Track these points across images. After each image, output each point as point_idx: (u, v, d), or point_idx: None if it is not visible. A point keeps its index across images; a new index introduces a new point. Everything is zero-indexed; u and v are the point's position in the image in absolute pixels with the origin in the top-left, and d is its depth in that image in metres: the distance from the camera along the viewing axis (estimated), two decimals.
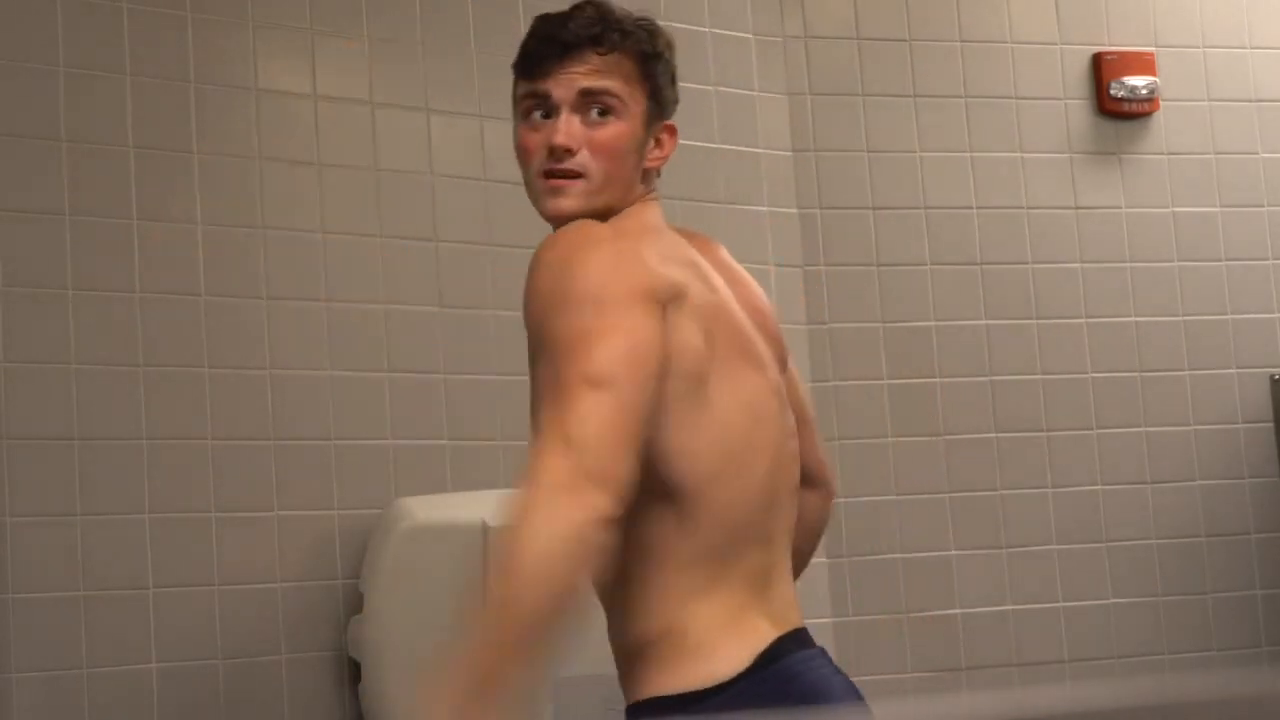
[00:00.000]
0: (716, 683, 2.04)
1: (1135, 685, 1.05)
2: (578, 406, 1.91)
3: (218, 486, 3.10)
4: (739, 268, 2.29)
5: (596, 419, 1.91)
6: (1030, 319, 3.93)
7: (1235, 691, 1.06)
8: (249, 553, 3.12)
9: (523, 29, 2.24)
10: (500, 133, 3.47)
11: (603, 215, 2.15)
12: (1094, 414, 3.95)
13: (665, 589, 2.09)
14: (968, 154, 3.96)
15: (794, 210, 3.78)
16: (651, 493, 2.05)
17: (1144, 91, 4.05)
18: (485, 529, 3.06)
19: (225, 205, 3.18)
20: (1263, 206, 4.12)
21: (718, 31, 3.64)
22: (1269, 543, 4.01)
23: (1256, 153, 4.14)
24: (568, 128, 2.14)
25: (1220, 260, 4.08)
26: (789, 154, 3.80)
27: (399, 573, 3.09)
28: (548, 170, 2.16)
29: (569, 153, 2.14)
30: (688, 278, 2.10)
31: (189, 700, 3.03)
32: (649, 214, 2.20)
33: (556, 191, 2.15)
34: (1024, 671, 3.80)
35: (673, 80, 2.24)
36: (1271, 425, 4.01)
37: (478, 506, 3.12)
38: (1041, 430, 3.91)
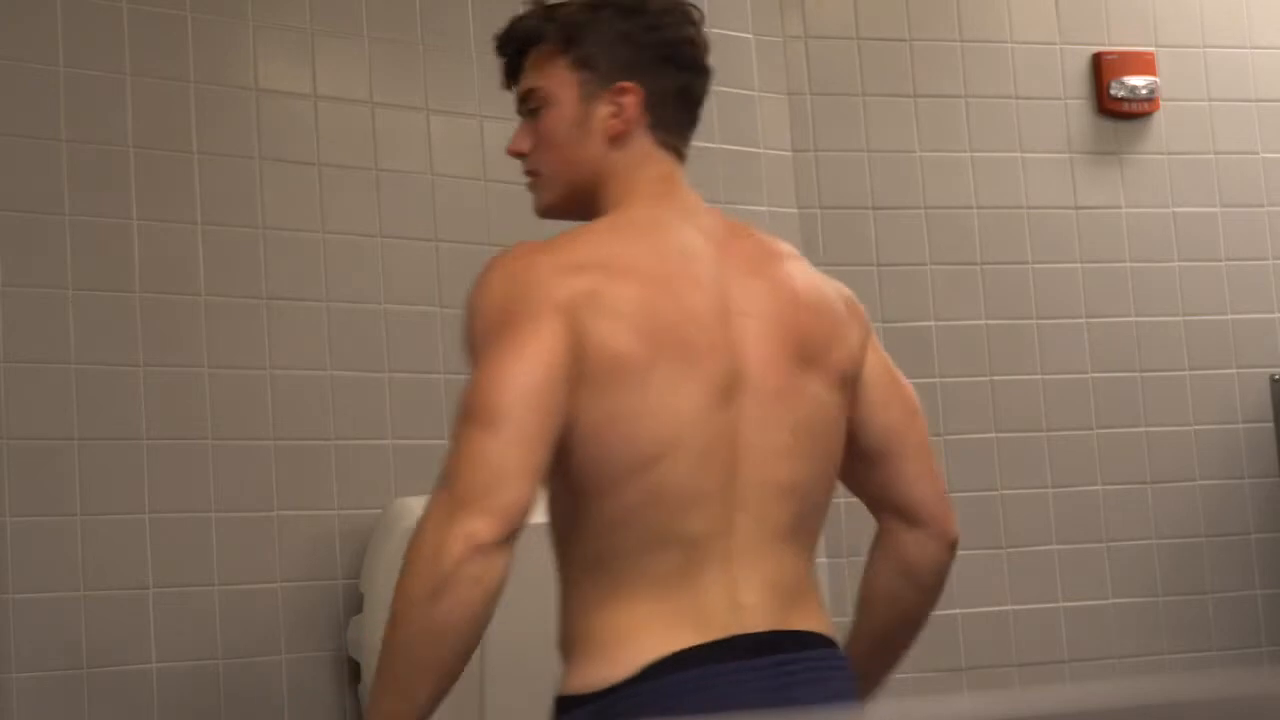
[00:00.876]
0: (605, 686, 2.01)
1: (1135, 685, 1.05)
2: (463, 445, 1.96)
3: (218, 486, 3.10)
4: (781, 262, 2.22)
5: (478, 453, 1.95)
6: (1030, 319, 3.93)
7: (1235, 691, 1.06)
8: (249, 553, 3.12)
9: None
10: (500, 133, 3.47)
11: (585, 199, 2.21)
12: (1094, 414, 3.95)
13: (578, 592, 2.09)
14: (968, 154, 3.96)
15: (794, 210, 3.78)
16: (566, 496, 2.07)
17: (1144, 91, 4.05)
18: None
19: (225, 205, 3.18)
20: (1263, 206, 4.12)
21: (718, 31, 3.64)
22: (1269, 543, 4.01)
23: (1256, 153, 4.14)
24: (515, 135, 2.26)
25: (1220, 260, 4.08)
26: (789, 154, 3.80)
27: (399, 573, 3.08)
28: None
29: (520, 156, 2.26)
30: (607, 280, 2.05)
31: (189, 700, 3.03)
32: (639, 200, 2.18)
33: (530, 191, 2.27)
34: (1024, 671, 3.80)
35: (621, 39, 2.20)
36: (1271, 425, 4.01)
37: None
38: (1041, 430, 3.90)
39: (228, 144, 3.21)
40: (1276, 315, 4.10)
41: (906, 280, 3.86)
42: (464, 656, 1.95)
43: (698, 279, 2.12)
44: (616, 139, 2.20)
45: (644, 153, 2.22)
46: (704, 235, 2.18)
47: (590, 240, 2.14)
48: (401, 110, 3.40)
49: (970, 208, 3.94)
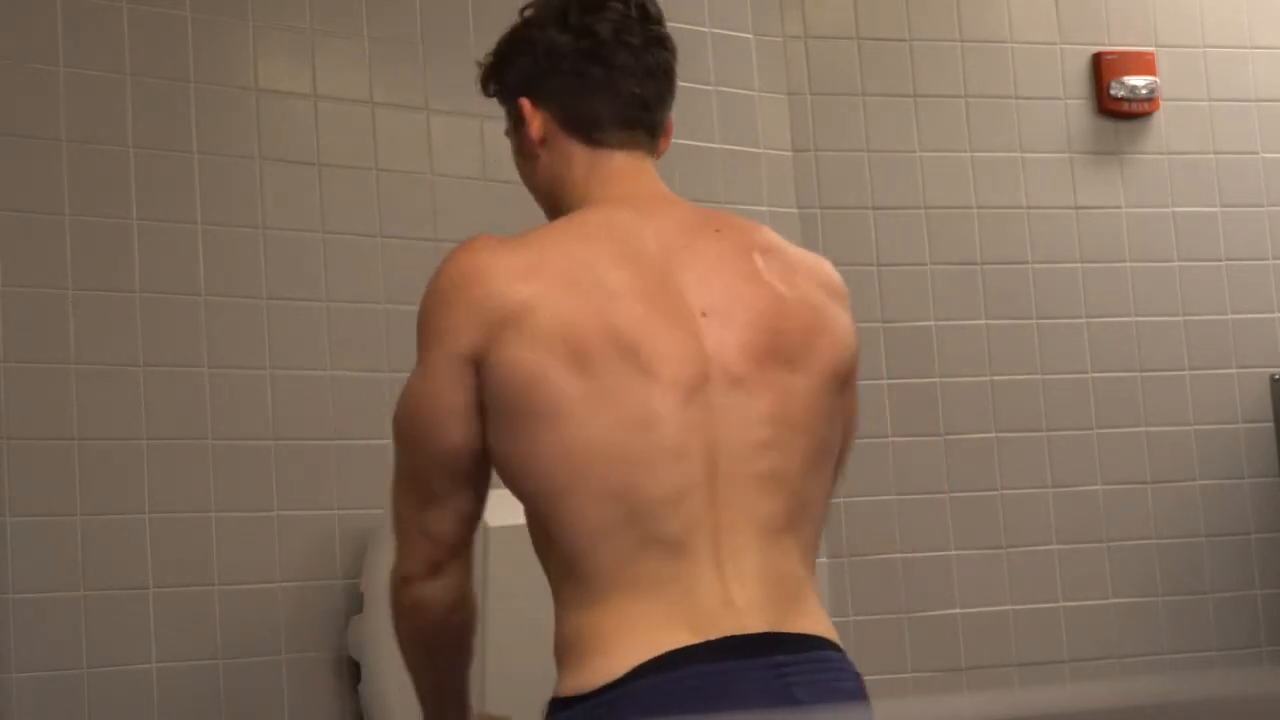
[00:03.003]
0: (596, 687, 1.99)
1: (1135, 685, 1.05)
2: (396, 469, 2.16)
3: (218, 486, 3.10)
4: (757, 256, 2.14)
5: (405, 482, 2.15)
6: (1030, 319, 3.93)
7: (1235, 691, 1.06)
8: (249, 553, 3.12)
9: None
10: (501, 133, 3.47)
11: (562, 208, 2.24)
12: (1094, 414, 3.95)
13: (564, 595, 2.08)
14: (968, 154, 3.96)
15: (794, 210, 3.78)
16: (526, 503, 2.09)
17: (1144, 91, 4.05)
18: (485, 529, 3.05)
19: (225, 205, 3.18)
20: (1263, 206, 4.12)
21: (718, 31, 3.64)
22: (1269, 543, 4.01)
23: (1256, 153, 4.14)
24: None
25: (1220, 260, 4.08)
26: (789, 154, 3.80)
27: None
28: None
29: None
30: (547, 287, 2.05)
31: (189, 700, 3.03)
32: (589, 204, 2.19)
33: None
34: (1024, 671, 3.80)
35: (517, 58, 2.26)
36: (1271, 425, 4.01)
37: None
38: (1041, 430, 3.90)
39: (228, 144, 3.21)
40: (1276, 315, 4.10)
41: (906, 280, 3.86)
42: (444, 650, 2.21)
43: (647, 281, 2.08)
44: (532, 154, 2.25)
45: (573, 159, 2.21)
46: (660, 234, 2.12)
47: (544, 241, 2.14)
48: (401, 110, 3.39)
49: (970, 208, 3.94)
